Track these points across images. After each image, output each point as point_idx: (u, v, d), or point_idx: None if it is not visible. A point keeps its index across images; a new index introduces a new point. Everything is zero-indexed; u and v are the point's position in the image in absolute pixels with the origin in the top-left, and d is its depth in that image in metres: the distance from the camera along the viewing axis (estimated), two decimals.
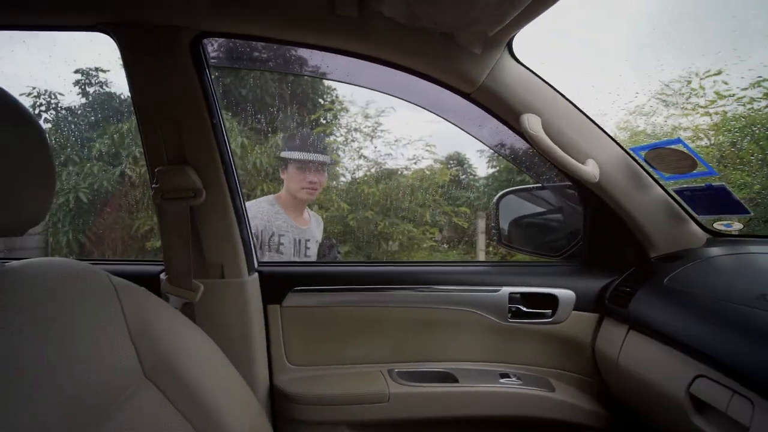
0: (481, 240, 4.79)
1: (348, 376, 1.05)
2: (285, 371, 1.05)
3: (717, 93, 3.28)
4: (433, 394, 1.02)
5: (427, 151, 4.73)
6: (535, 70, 0.89)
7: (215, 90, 0.88)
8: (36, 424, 0.44)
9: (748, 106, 3.11)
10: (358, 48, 0.83)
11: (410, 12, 0.71)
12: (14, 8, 0.75)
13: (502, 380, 1.06)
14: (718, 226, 1.07)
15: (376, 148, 4.82)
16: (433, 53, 0.81)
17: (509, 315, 1.06)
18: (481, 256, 4.75)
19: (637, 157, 0.98)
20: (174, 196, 0.86)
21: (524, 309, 1.06)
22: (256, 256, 1.05)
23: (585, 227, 1.13)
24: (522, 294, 1.06)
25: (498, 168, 5.41)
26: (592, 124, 0.95)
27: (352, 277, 1.06)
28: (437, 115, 1.04)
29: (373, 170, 4.83)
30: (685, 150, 0.90)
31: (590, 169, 0.91)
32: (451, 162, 5.75)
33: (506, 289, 1.06)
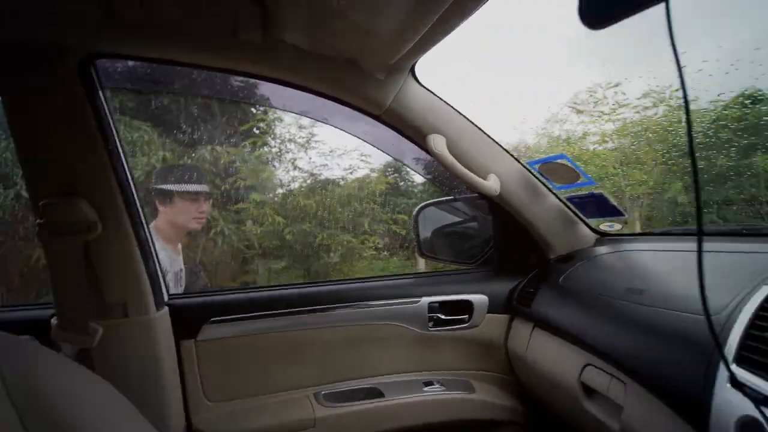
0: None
1: (273, 406, 1.03)
2: (203, 410, 1.00)
3: (617, 102, 3.73)
4: (359, 411, 1.04)
5: (362, 161, 4.78)
6: (438, 93, 0.96)
7: (111, 113, 0.83)
8: None
9: (643, 113, 3.55)
10: (264, 72, 0.83)
11: (312, 41, 0.73)
12: None
13: (426, 388, 1.11)
14: (604, 227, 1.21)
15: (311, 159, 4.79)
16: (339, 78, 0.84)
17: (430, 324, 1.11)
18: (421, 262, 4.88)
19: (532, 170, 1.09)
20: (64, 231, 0.79)
21: (443, 317, 1.12)
22: (166, 289, 0.99)
23: (495, 235, 1.23)
24: (440, 302, 1.12)
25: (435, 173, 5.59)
26: (492, 142, 1.04)
27: (272, 302, 1.04)
28: (351, 134, 1.08)
29: (309, 181, 4.78)
30: (568, 163, 1.01)
31: (491, 184, 1.00)
32: (389, 170, 5.87)
33: (425, 299, 1.10)
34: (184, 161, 4.31)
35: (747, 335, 0.57)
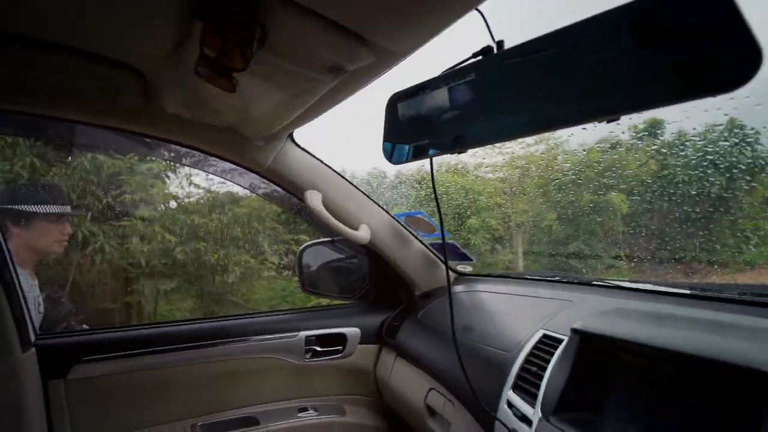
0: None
1: None
2: None
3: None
4: None
5: (263, 180, 4.71)
6: (315, 153, 1.10)
7: None
8: None
9: (526, 149, 4.08)
10: (147, 131, 0.89)
11: (192, 112, 0.82)
12: None
13: (300, 414, 1.23)
14: (460, 268, 1.45)
15: (208, 175, 4.59)
16: (221, 142, 0.94)
17: (307, 355, 1.23)
18: None
19: (399, 221, 1.29)
20: None
21: (318, 348, 1.24)
22: (34, 328, 0.96)
23: (370, 273, 1.40)
24: (317, 336, 1.25)
25: None
26: (364, 196, 1.21)
27: (150, 339, 1.06)
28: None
29: (205, 199, 4.57)
30: (425, 218, 1.23)
31: (362, 234, 1.16)
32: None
33: (303, 333, 1.22)
34: (59, 167, 3.83)
35: (521, 368, 0.79)
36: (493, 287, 1.28)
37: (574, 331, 0.69)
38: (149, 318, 3.95)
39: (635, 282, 0.99)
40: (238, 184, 1.18)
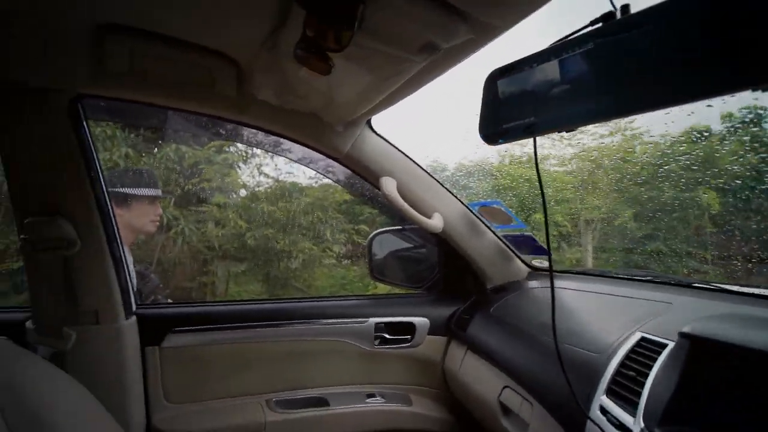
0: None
1: (227, 409, 1.13)
2: (163, 410, 1.08)
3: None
4: (306, 418, 1.16)
5: (328, 171, 4.85)
6: (392, 141, 1.10)
7: (93, 142, 0.91)
8: None
9: (599, 140, 3.79)
10: (238, 118, 0.94)
11: (281, 99, 0.85)
12: None
13: (368, 400, 1.25)
14: (535, 262, 1.38)
15: (276, 166, 4.81)
16: (305, 127, 0.96)
17: (376, 342, 1.24)
18: None
19: (473, 210, 1.25)
20: (46, 247, 0.87)
21: (387, 336, 1.26)
22: (135, 299, 1.07)
23: (440, 264, 1.38)
24: (386, 323, 1.26)
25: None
26: (438, 184, 1.19)
27: (231, 316, 1.14)
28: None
29: (272, 188, 4.80)
30: (502, 209, 1.18)
31: (435, 222, 1.14)
32: (352, 181, 5.95)
33: (373, 320, 1.24)
34: (148, 157, 4.23)
35: (617, 372, 0.73)
36: (574, 284, 1.20)
37: (684, 335, 0.63)
38: (221, 298, 4.24)
39: (744, 286, 0.88)
40: (317, 171, 1.20)
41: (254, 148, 4.55)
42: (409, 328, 1.27)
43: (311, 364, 1.22)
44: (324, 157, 1.13)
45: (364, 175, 1.10)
